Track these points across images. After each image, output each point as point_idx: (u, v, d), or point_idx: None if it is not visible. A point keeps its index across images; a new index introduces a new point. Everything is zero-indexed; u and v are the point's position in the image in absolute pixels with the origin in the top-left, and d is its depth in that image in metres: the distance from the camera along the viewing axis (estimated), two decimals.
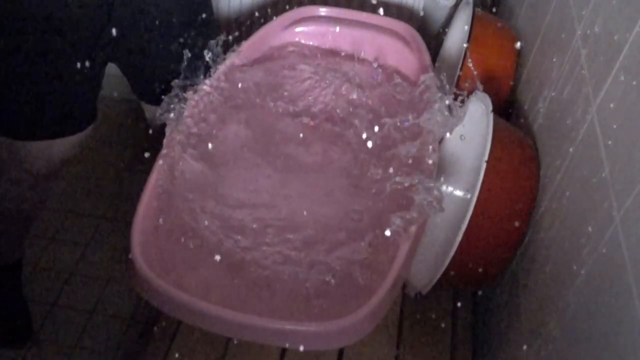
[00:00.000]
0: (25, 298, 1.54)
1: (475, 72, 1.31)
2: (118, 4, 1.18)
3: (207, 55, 1.30)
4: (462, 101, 1.22)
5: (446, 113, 1.19)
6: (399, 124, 1.25)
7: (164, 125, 1.17)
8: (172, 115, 1.18)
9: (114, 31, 1.20)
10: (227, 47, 1.37)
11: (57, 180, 1.39)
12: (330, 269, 1.04)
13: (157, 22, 1.23)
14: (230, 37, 1.39)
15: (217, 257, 1.04)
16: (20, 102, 1.22)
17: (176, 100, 1.20)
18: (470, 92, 1.26)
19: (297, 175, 1.21)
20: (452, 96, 1.22)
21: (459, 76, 1.32)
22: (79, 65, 1.21)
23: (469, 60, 1.31)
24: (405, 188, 1.08)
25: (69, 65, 1.20)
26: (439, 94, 1.23)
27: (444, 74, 1.29)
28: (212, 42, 1.31)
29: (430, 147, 1.16)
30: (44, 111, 1.23)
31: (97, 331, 1.53)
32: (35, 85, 1.20)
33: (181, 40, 1.27)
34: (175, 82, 1.23)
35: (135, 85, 1.35)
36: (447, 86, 1.25)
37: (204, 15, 1.31)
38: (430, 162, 1.13)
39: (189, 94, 1.22)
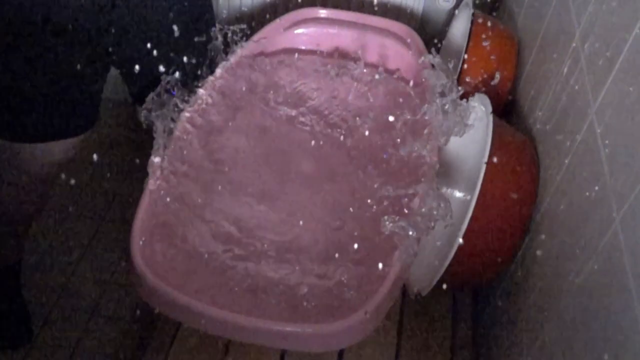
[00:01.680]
0: (25, 299, 1.54)
1: (492, 57, 1.29)
2: (119, 8, 1.17)
3: (207, 58, 1.30)
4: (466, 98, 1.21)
5: (449, 112, 1.17)
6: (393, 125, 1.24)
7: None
8: (158, 114, 1.15)
9: (114, 35, 1.20)
10: (226, 49, 1.37)
11: (57, 181, 1.39)
12: (329, 275, 1.04)
13: (158, 27, 1.23)
14: (230, 39, 1.39)
15: (213, 265, 1.04)
16: (18, 104, 1.22)
17: (165, 97, 1.19)
18: (490, 77, 1.24)
19: (297, 182, 1.20)
20: (459, 90, 1.20)
21: (459, 76, 1.32)
22: (78, 68, 1.21)
23: (484, 41, 1.28)
24: (407, 195, 1.07)
25: (68, 68, 1.20)
26: (446, 82, 1.20)
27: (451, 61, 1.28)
28: (213, 44, 1.31)
29: (432, 151, 1.15)
30: (43, 113, 1.23)
31: (97, 332, 1.53)
32: (34, 88, 1.20)
33: (182, 44, 1.27)
34: (164, 78, 1.20)
35: (134, 88, 1.34)
36: (453, 75, 1.23)
37: (205, 19, 1.31)
38: (430, 168, 1.12)
39: (178, 92, 1.20)
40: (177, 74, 1.22)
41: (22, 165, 1.30)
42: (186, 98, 1.22)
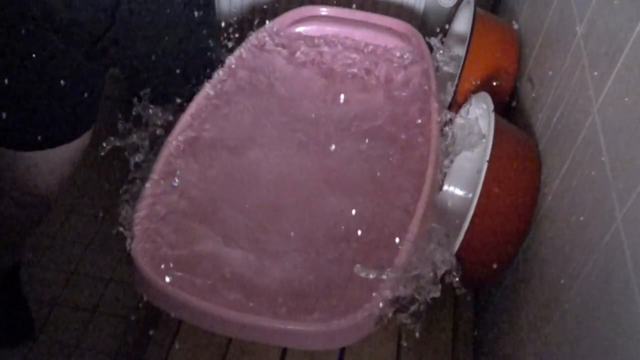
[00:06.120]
0: (26, 298, 1.54)
1: (494, 55, 1.29)
2: (122, 9, 1.16)
3: (209, 60, 1.29)
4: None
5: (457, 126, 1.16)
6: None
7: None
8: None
9: (116, 36, 1.19)
10: (227, 49, 1.37)
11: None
12: (331, 276, 1.03)
13: (161, 28, 1.22)
14: (231, 38, 1.39)
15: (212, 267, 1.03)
16: (13, 106, 1.19)
17: (150, 112, 1.17)
18: (492, 75, 1.23)
19: (297, 195, 1.17)
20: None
21: (461, 75, 1.32)
22: (76, 68, 1.19)
23: (486, 39, 1.28)
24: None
25: (65, 68, 1.18)
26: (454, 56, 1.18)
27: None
28: (214, 45, 1.30)
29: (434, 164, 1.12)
30: (40, 117, 1.21)
31: (98, 331, 1.54)
32: (29, 88, 1.18)
33: (185, 44, 1.26)
34: (142, 102, 1.18)
35: (136, 88, 1.33)
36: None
37: (207, 19, 1.30)
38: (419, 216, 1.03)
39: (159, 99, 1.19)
40: (150, 89, 1.21)
41: (22, 179, 1.27)
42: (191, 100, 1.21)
